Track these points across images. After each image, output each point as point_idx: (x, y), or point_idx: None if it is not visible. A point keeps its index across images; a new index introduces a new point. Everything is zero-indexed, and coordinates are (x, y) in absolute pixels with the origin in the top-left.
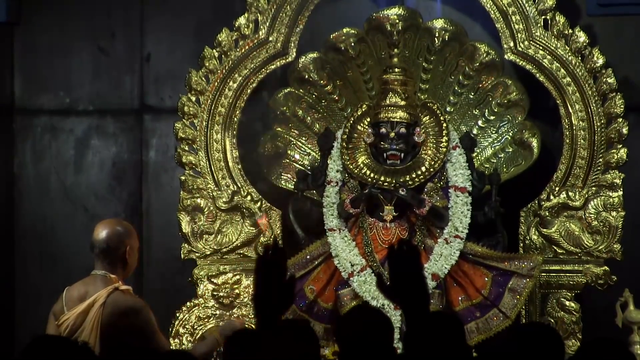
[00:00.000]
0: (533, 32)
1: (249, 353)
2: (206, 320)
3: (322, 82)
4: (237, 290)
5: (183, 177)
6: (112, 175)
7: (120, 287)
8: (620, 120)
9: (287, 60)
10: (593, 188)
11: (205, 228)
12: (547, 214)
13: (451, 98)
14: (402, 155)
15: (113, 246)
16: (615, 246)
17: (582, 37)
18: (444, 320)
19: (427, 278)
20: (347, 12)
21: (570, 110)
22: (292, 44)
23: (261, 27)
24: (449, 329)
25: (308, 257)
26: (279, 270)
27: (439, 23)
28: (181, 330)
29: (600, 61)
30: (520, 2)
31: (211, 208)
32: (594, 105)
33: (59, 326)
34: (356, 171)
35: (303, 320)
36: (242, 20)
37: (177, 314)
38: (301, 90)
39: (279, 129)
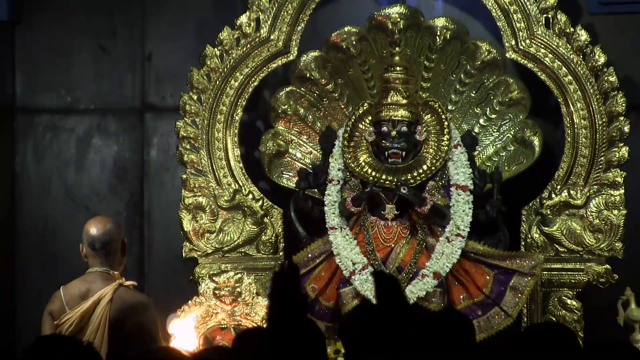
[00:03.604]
0: (534, 30)
1: (257, 351)
2: (207, 318)
3: (323, 80)
4: (238, 289)
5: (184, 176)
6: (114, 174)
7: (125, 283)
8: (621, 118)
9: (289, 58)
10: (594, 186)
11: (207, 227)
12: (549, 212)
13: (453, 96)
14: (404, 153)
15: (114, 240)
16: (616, 244)
17: (583, 35)
18: (453, 318)
19: (429, 277)
20: (349, 11)
21: (572, 109)
22: (294, 43)
23: (262, 25)
24: (458, 326)
25: (309, 255)
26: (293, 286)
27: (440, 21)
28: None
29: (602, 60)
30: (522, 0)
31: (212, 206)
32: (595, 103)
33: (59, 326)
34: (357, 170)
35: (308, 319)
36: (243, 18)
37: (179, 313)
38: (302, 89)
39: (280, 127)
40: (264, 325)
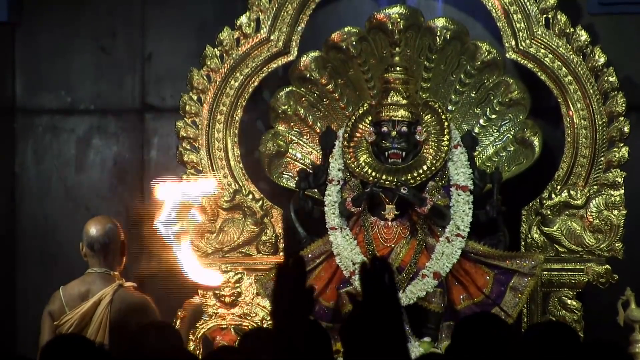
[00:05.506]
0: (534, 30)
1: (263, 351)
2: (208, 319)
3: (323, 81)
4: (238, 289)
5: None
6: (114, 175)
7: (125, 284)
8: (621, 118)
9: (289, 59)
10: (594, 187)
11: (207, 227)
12: (549, 212)
13: (453, 97)
14: (404, 154)
15: (113, 241)
16: (616, 245)
17: (583, 35)
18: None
19: (429, 277)
20: (349, 11)
21: (572, 109)
22: (294, 43)
23: (263, 25)
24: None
25: (309, 255)
26: (298, 279)
27: (440, 22)
28: None
29: (602, 60)
30: (522, 0)
31: (212, 207)
32: (595, 104)
33: (59, 326)
34: (358, 170)
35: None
36: (243, 19)
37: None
38: (302, 89)
39: (280, 127)
40: (267, 325)
